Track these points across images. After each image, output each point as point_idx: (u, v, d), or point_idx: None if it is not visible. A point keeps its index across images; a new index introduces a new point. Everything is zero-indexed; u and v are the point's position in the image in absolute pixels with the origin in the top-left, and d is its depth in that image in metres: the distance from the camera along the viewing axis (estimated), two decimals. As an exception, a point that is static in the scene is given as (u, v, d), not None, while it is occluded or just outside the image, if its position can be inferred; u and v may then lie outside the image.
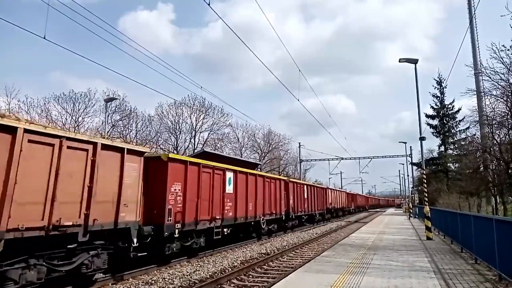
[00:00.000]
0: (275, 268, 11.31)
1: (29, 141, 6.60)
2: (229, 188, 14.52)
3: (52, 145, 7.04)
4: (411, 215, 38.22)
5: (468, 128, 32.39)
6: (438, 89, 38.58)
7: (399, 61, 17.89)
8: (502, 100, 19.16)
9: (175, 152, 41.20)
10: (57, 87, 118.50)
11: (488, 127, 21.98)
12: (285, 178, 24.04)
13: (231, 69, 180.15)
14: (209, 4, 11.04)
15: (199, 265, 11.21)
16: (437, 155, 39.33)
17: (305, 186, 26.80)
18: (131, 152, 9.09)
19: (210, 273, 10.12)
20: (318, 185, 33.63)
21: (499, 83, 18.63)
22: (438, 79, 38.51)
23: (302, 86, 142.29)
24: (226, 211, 14.10)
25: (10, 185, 6.23)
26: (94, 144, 7.99)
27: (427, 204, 17.49)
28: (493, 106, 20.41)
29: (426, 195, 18.47)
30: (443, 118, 38.32)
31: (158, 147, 40.39)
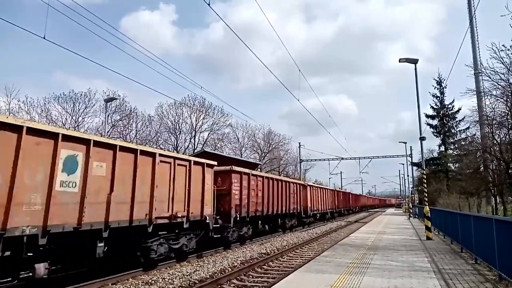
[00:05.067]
0: (275, 268, 11.31)
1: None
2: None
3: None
4: (411, 215, 38.22)
5: (468, 128, 32.41)
6: (438, 89, 38.66)
7: (399, 61, 17.87)
8: (502, 100, 19.18)
9: (175, 152, 41.20)
10: (58, 87, 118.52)
11: (488, 127, 21.99)
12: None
13: (232, 69, 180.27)
14: (209, 4, 11.05)
15: (199, 265, 11.21)
16: (437, 155, 39.37)
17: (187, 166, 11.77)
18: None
19: (210, 273, 10.12)
20: (253, 172, 17.34)
21: (499, 83, 18.67)
22: (438, 79, 38.58)
23: (303, 86, 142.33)
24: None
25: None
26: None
27: (427, 204, 17.49)
28: (493, 106, 20.45)
29: (426, 195, 18.47)
30: (443, 118, 38.34)
31: (158, 147, 40.41)
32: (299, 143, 56.51)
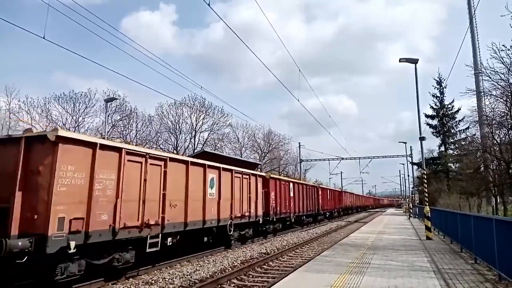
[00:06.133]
0: (275, 268, 11.32)
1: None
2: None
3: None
4: (411, 215, 38.24)
5: (468, 128, 32.43)
6: (437, 89, 38.67)
7: (399, 61, 17.89)
8: (502, 100, 19.17)
9: (175, 152, 41.21)
10: (58, 87, 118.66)
11: (488, 127, 22.00)
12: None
13: (232, 69, 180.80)
14: (209, 4, 11.05)
15: (199, 265, 11.22)
16: (437, 155, 39.36)
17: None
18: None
19: (210, 273, 10.13)
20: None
21: (499, 83, 18.66)
22: (437, 79, 38.59)
23: (303, 86, 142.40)
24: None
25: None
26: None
27: (427, 204, 17.50)
28: (493, 106, 20.44)
29: (426, 195, 18.48)
30: (443, 118, 38.34)
31: (158, 147, 40.42)
32: (299, 143, 56.54)
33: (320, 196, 31.39)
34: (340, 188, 56.52)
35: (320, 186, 34.92)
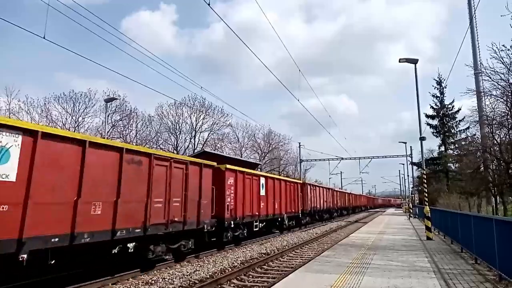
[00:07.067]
0: (275, 268, 11.31)
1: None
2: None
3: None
4: (411, 215, 38.24)
5: (468, 128, 32.37)
6: (438, 89, 38.71)
7: (399, 61, 17.86)
8: (502, 100, 19.13)
9: (175, 152, 41.19)
10: (59, 88, 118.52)
11: (488, 127, 21.96)
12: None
13: (233, 70, 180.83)
14: (209, 4, 11.03)
15: (199, 265, 11.22)
16: (437, 155, 39.37)
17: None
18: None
19: (210, 273, 10.12)
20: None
21: (499, 83, 18.59)
22: (438, 79, 38.62)
23: (303, 87, 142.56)
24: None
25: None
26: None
27: (427, 204, 17.50)
28: (493, 106, 20.39)
29: (426, 195, 18.47)
30: (443, 118, 38.36)
31: (158, 148, 40.40)
32: (299, 143, 56.32)
33: (230, 189, 14.76)
34: (340, 189, 55.82)
35: (229, 167, 14.82)
